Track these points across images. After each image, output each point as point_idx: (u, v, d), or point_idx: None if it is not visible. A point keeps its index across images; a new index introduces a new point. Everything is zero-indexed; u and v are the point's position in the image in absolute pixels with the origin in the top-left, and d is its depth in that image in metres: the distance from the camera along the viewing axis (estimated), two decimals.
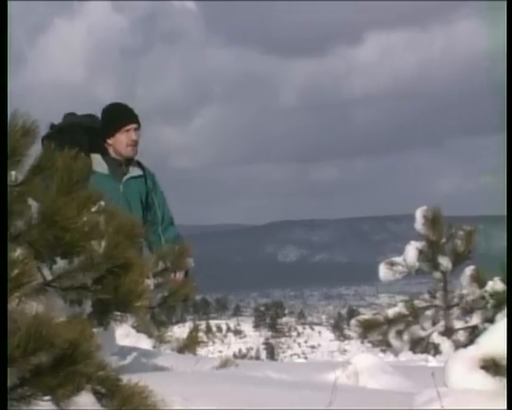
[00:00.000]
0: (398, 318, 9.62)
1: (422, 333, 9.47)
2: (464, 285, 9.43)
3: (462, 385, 2.51)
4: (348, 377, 4.31)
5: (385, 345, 9.60)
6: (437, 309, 9.57)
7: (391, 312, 9.74)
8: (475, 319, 9.27)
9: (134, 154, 6.85)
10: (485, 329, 2.67)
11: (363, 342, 10.05)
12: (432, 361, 8.05)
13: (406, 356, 9.04)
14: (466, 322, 9.37)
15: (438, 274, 9.47)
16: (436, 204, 9.53)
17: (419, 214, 9.37)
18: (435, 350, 9.13)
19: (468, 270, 9.40)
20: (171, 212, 7.14)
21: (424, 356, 8.85)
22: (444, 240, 9.37)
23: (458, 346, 8.47)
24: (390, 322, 9.61)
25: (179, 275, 6.90)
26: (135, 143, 6.77)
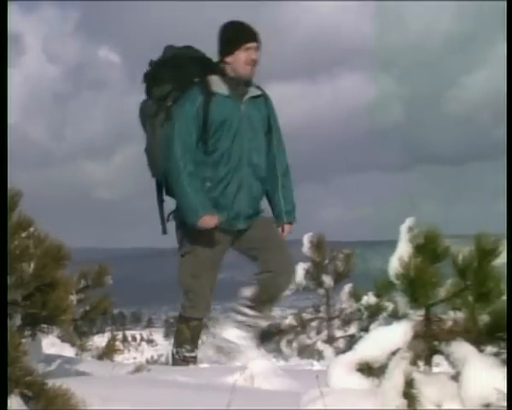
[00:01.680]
0: (289, 328, 9.68)
1: (309, 341, 9.54)
2: (343, 300, 9.54)
3: (341, 385, 2.53)
4: (245, 380, 4.31)
5: (277, 352, 9.61)
6: (321, 321, 9.66)
7: (283, 323, 9.80)
8: (353, 329, 9.37)
9: (252, 74, 5.76)
10: (360, 337, 2.70)
11: (259, 349, 10.03)
12: (316, 365, 8.09)
13: (295, 361, 9.07)
14: (345, 331, 9.46)
15: (321, 291, 9.56)
16: (320, 231, 9.63)
17: (306, 240, 9.45)
18: (319, 356, 9.19)
19: (347, 287, 9.52)
20: (286, 152, 6.07)
21: (310, 361, 8.90)
22: (326, 261, 9.47)
23: (338, 352, 8.54)
24: (282, 332, 9.67)
25: (287, 229, 6.12)
26: (254, 63, 5.71)
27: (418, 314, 2.52)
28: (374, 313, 9.11)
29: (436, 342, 2.50)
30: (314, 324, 9.70)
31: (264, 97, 5.90)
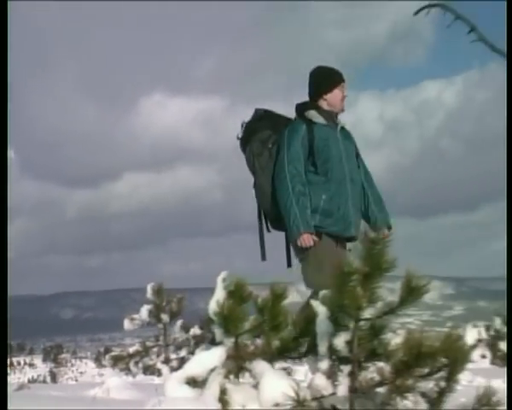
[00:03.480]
0: (136, 353, 9.60)
1: (151, 362, 9.45)
2: (176, 332, 9.54)
3: (174, 395, 2.48)
4: (103, 392, 4.15)
5: (127, 370, 9.46)
6: (160, 347, 9.59)
7: (131, 349, 9.74)
8: (183, 353, 9.35)
9: (344, 108, 5.12)
10: (188, 359, 2.66)
11: (114, 369, 9.76)
12: (156, 380, 7.95)
13: (140, 377, 8.93)
14: (177, 354, 9.42)
15: (161, 325, 9.51)
16: (160, 281, 9.70)
17: (149, 287, 9.48)
18: (159, 373, 9.09)
19: (179, 322, 9.54)
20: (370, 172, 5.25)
21: (151, 377, 8.79)
22: (164, 303, 9.46)
23: (173, 370, 8.43)
24: (131, 356, 9.59)
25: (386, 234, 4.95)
26: (344, 99, 5.10)
27: (230, 341, 2.52)
28: (198, 341, 9.14)
29: (242, 362, 2.50)
30: (155, 349, 9.62)
31: (347, 130, 5.23)
